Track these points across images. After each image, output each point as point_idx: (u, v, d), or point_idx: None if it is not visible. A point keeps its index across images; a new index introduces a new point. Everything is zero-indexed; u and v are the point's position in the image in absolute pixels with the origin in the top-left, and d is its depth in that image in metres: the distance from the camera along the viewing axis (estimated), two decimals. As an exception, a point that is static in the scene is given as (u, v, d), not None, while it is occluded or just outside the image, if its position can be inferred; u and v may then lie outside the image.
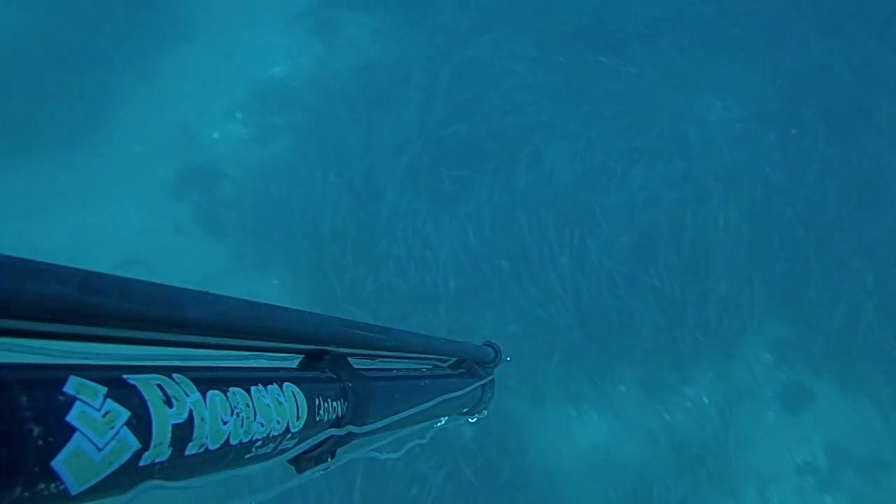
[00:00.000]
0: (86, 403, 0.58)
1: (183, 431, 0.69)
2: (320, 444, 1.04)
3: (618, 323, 6.96)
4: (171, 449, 0.67)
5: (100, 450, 0.58)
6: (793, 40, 8.30)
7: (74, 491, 0.57)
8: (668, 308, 6.98)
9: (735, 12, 8.33)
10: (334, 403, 1.04)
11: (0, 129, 7.91)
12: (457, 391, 1.61)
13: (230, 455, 0.79)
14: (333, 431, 1.05)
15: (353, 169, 7.70)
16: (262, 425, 0.84)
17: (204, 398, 0.74)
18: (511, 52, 8.39)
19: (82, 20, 8.65)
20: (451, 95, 8.06)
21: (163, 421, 0.66)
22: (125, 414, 0.62)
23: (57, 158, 8.16)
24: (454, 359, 1.76)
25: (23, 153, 8.02)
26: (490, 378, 1.93)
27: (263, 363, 0.97)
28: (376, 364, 1.35)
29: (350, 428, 1.09)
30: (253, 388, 0.84)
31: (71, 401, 0.57)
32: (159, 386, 0.68)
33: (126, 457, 0.61)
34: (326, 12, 9.60)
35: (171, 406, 0.68)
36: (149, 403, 0.65)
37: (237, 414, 0.79)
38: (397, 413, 1.28)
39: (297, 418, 0.93)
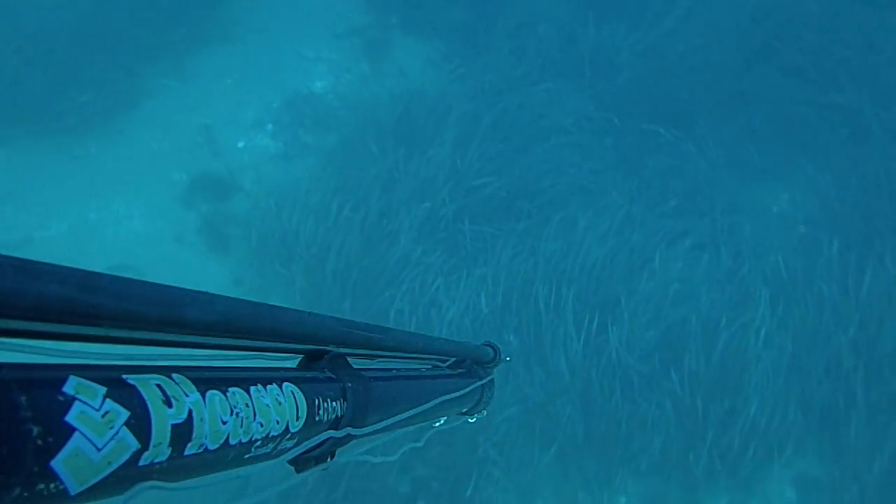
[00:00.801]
0: (85, 403, 0.58)
1: (182, 431, 0.69)
2: (319, 445, 1.03)
3: (627, 427, 6.19)
4: (170, 449, 0.67)
5: (99, 450, 0.58)
6: (878, 140, 7.43)
7: (74, 491, 0.57)
8: (687, 421, 6.19)
9: (820, 101, 7.50)
10: (334, 403, 1.04)
11: (15, 108, 7.52)
12: (456, 391, 1.61)
13: (230, 455, 0.79)
14: (332, 433, 1.03)
15: (369, 205, 7.09)
16: (262, 425, 0.83)
17: (203, 398, 0.73)
18: (564, 107, 7.71)
19: (123, 4, 8.25)
20: (489, 143, 7.41)
21: (162, 421, 0.66)
22: (124, 414, 0.61)
23: (69, 146, 7.75)
24: (453, 359, 1.73)
25: (35, 137, 7.62)
26: (489, 378, 1.92)
27: (263, 363, 0.96)
28: (376, 364, 1.34)
29: (348, 430, 1.08)
30: (252, 388, 0.84)
31: (70, 401, 0.57)
32: (159, 386, 0.68)
33: (125, 457, 0.61)
34: (381, 32, 9.08)
35: (170, 406, 0.68)
36: (148, 403, 0.65)
37: (236, 414, 0.79)
38: (397, 413, 1.28)
39: (297, 418, 0.92)
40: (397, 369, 1.44)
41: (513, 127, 7.56)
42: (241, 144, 8.24)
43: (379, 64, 8.84)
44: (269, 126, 8.36)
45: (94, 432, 0.58)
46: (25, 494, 0.53)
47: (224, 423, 0.76)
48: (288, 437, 0.90)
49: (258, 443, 0.83)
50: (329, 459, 1.09)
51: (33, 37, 7.59)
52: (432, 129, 7.65)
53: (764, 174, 7.41)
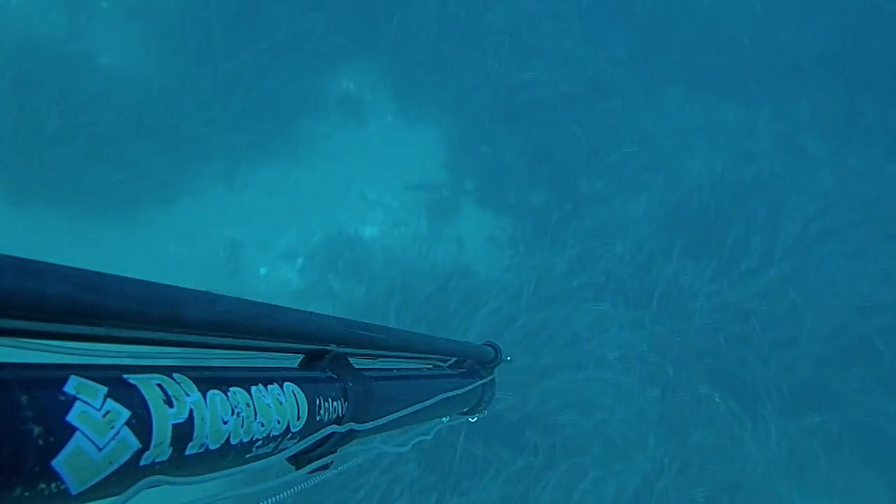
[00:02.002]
0: (86, 403, 0.57)
1: (183, 431, 0.68)
2: (322, 443, 1.01)
3: None
4: (171, 448, 0.66)
5: (100, 449, 0.57)
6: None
7: (75, 490, 0.56)
8: None
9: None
10: (335, 403, 1.02)
11: (42, 172, 7.06)
12: (457, 391, 1.57)
13: (231, 455, 0.77)
14: (335, 428, 1.01)
15: (359, 385, 6.13)
16: (263, 425, 0.82)
17: (204, 398, 0.72)
18: (614, 337, 6.64)
19: (192, 95, 7.85)
20: (515, 352, 6.39)
21: (163, 420, 0.65)
22: (125, 414, 0.60)
23: (85, 225, 7.21)
24: (454, 359, 1.70)
25: (53, 206, 7.13)
26: (490, 378, 1.88)
27: (264, 363, 0.95)
28: (377, 364, 1.31)
29: (351, 425, 1.05)
30: (253, 388, 0.83)
31: (71, 400, 0.56)
32: (160, 385, 0.67)
33: (126, 456, 0.60)
34: (453, 195, 8.35)
35: (171, 406, 0.67)
36: (149, 403, 0.64)
37: (237, 414, 0.77)
38: (398, 413, 1.25)
39: (298, 418, 0.91)
40: (398, 369, 1.40)
41: (548, 342, 6.54)
42: (263, 271, 7.54)
43: (438, 226, 8.07)
44: (300, 260, 7.65)
45: (96, 432, 0.57)
46: (27, 494, 0.52)
47: (225, 422, 0.74)
48: (289, 436, 0.89)
49: (259, 443, 0.82)
50: (331, 456, 1.05)
51: (86, 102, 7.21)
52: (460, 316, 6.73)
53: (827, 490, 6.03)
